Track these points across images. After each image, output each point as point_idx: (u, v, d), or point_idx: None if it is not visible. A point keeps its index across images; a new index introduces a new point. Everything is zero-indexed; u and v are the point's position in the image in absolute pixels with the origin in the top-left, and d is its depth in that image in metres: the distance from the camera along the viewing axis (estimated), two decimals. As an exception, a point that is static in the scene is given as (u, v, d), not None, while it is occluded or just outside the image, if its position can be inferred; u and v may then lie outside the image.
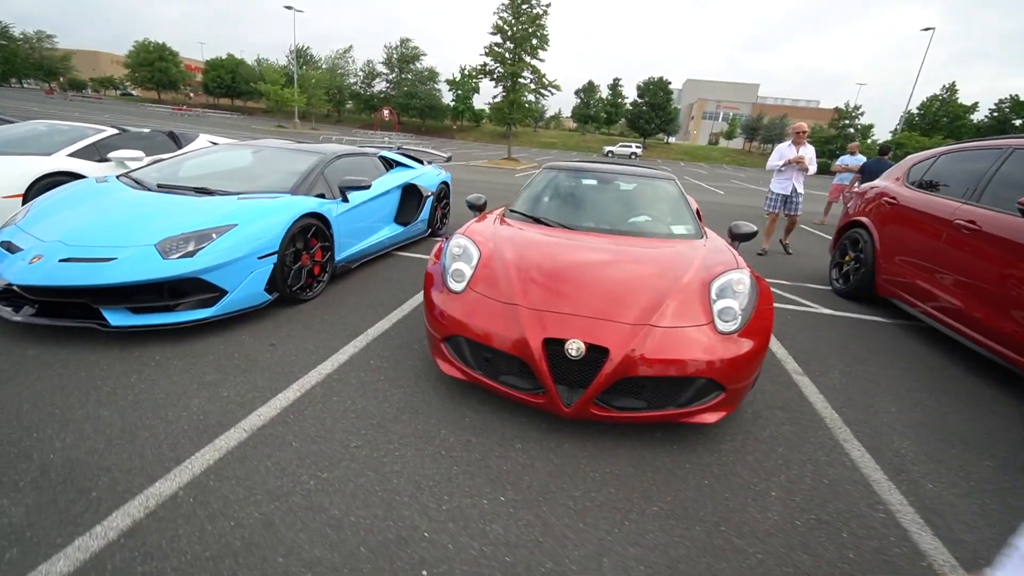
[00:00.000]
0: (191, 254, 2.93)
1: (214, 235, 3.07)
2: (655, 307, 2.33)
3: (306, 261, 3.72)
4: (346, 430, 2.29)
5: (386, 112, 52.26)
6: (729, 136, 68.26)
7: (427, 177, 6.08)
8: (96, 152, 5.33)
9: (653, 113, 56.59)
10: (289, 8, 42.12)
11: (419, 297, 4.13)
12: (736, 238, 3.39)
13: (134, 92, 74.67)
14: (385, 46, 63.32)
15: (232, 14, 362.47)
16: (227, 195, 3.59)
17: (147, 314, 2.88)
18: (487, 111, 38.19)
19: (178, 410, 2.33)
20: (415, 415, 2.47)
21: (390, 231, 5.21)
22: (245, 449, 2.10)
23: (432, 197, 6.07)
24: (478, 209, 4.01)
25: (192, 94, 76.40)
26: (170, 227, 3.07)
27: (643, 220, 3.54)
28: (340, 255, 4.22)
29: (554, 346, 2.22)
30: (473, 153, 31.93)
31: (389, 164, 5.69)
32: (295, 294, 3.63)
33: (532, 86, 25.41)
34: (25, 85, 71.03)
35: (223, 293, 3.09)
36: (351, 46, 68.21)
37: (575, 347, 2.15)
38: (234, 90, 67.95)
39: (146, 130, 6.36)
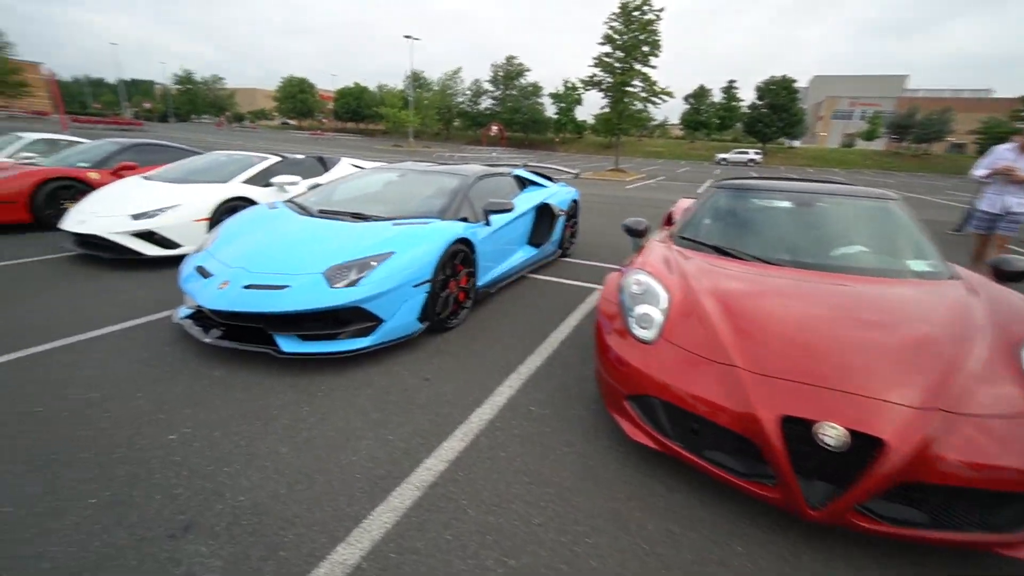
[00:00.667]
0: (354, 283, 2.91)
1: (373, 263, 3.04)
2: (943, 382, 1.71)
3: (453, 288, 3.59)
4: (524, 499, 2.00)
5: (495, 128, 54.20)
6: (869, 136, 59.83)
7: (560, 195, 5.81)
8: (263, 178, 5.88)
9: (775, 115, 51.62)
10: (408, 37, 45.79)
11: (564, 329, 3.81)
12: (1006, 277, 2.56)
13: (291, 122, 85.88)
14: (492, 65, 65.99)
15: (359, 47, 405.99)
16: (381, 220, 3.60)
17: (314, 342, 2.90)
18: (592, 122, 37.70)
19: (348, 453, 2.23)
20: (597, 485, 2.10)
21: (524, 253, 5.00)
22: (421, 512, 1.90)
23: (564, 216, 5.78)
24: (638, 235, 3.57)
25: (324, 120, 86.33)
26: (334, 254, 3.10)
27: (859, 252, 2.85)
28: (482, 280, 4.07)
29: (795, 426, 1.71)
30: (579, 164, 31.60)
31: (523, 183, 5.52)
32: (443, 322, 3.52)
33: (642, 94, 24.43)
34: (202, 120, 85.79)
35: (380, 322, 3.03)
36: (460, 68, 72.13)
37: (834, 434, 1.62)
38: (359, 114, 75.46)
39: (300, 156, 6.95)
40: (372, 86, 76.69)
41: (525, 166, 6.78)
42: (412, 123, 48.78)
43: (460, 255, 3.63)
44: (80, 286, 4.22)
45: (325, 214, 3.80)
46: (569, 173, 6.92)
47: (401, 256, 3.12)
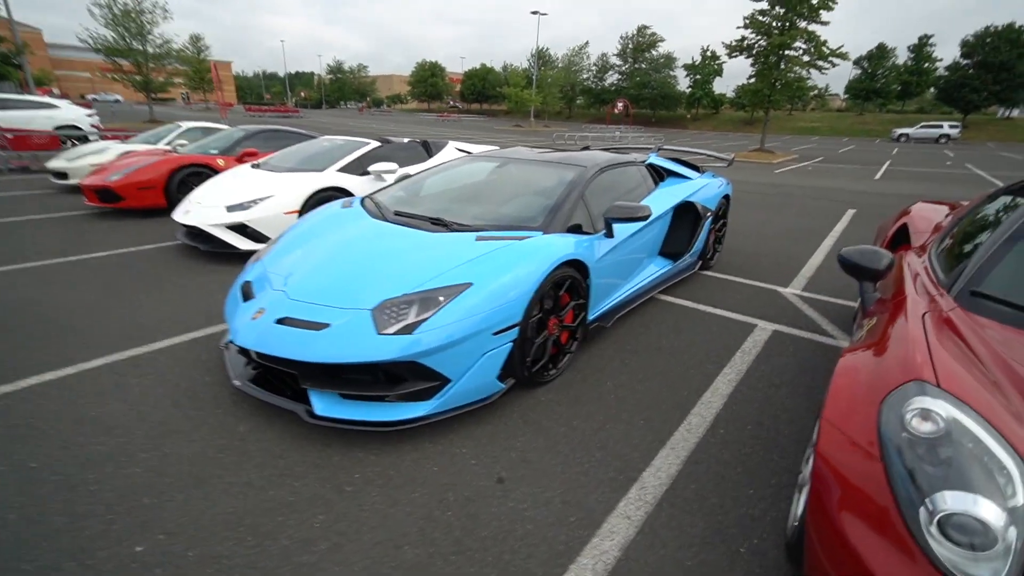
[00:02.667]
0: (409, 329, 2.03)
1: (441, 298, 2.13)
2: None
3: (553, 328, 2.56)
4: None
5: (620, 104, 51.06)
6: None
7: (707, 190, 4.39)
8: (360, 166, 5.40)
9: (989, 76, 40.43)
10: (535, 13, 44.58)
11: (713, 399, 2.56)
12: None
13: (458, 104, 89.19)
14: (621, 36, 61.87)
15: (493, 30, 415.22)
16: (464, 230, 2.68)
17: (357, 404, 2.10)
18: (734, 95, 33.06)
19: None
20: None
21: (655, 268, 3.76)
22: None
23: (711, 217, 4.36)
24: (870, 276, 2.07)
25: (451, 102, 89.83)
26: (392, 281, 2.26)
27: None
28: (595, 310, 2.98)
29: None
30: (712, 144, 28.01)
31: (658, 174, 4.22)
32: (534, 376, 2.52)
33: (805, 58, 20.35)
34: (348, 106, 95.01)
35: (445, 382, 2.14)
36: (587, 42, 69.02)
37: None
38: (483, 95, 76.94)
39: (405, 140, 6.40)
40: (499, 67, 77.47)
41: (660, 150, 5.40)
42: (533, 102, 47.98)
43: (567, 282, 2.57)
44: (173, 281, 4.05)
45: (401, 216, 3.00)
46: (722, 160, 5.31)
47: (480, 290, 2.17)
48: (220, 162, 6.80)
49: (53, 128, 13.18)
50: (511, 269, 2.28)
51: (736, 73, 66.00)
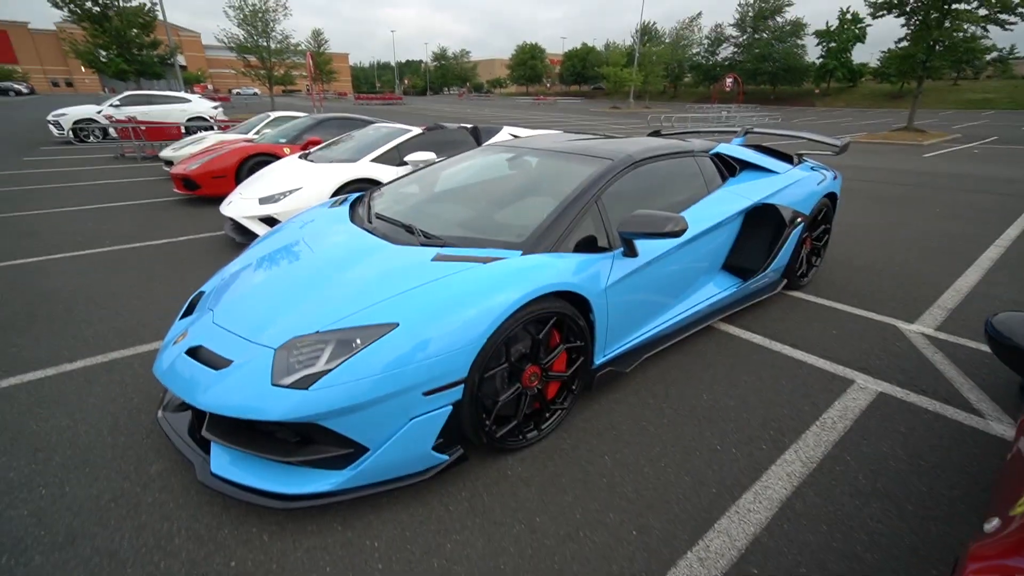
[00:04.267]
0: (306, 382, 1.54)
1: (357, 341, 1.61)
2: None
3: (531, 380, 1.93)
4: None
5: (729, 81, 46.06)
6: None
7: (798, 188, 3.32)
8: (397, 155, 5.05)
9: None
10: (642, -16, 41.52)
11: (765, 494, 1.75)
12: None
13: (548, 83, 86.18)
14: (740, 3, 55.43)
15: (598, 6, 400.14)
16: (431, 244, 2.11)
17: (260, 465, 1.68)
18: (877, 64, 27.88)
19: None
20: None
21: (711, 291, 2.88)
22: None
23: (804, 223, 3.30)
24: None
25: (549, 84, 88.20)
26: (316, 311, 1.78)
27: None
28: (606, 352, 2.26)
29: None
30: (843, 124, 24.05)
31: (728, 167, 3.25)
32: (501, 442, 1.92)
33: (981, 12, 16.23)
34: (451, 91, 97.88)
35: (362, 450, 1.63)
36: (699, 13, 63.22)
37: None
38: (583, 77, 74.46)
39: (454, 127, 5.95)
40: (601, 46, 74.24)
41: (746, 133, 4.33)
42: (633, 82, 45.13)
43: (553, 320, 1.91)
44: (202, 276, 4.05)
45: (379, 221, 2.51)
46: (832, 145, 3.99)
47: (407, 334, 1.61)
48: (286, 150, 6.94)
49: (186, 120, 14.87)
50: (459, 306, 1.68)
51: (881, 38, 56.03)
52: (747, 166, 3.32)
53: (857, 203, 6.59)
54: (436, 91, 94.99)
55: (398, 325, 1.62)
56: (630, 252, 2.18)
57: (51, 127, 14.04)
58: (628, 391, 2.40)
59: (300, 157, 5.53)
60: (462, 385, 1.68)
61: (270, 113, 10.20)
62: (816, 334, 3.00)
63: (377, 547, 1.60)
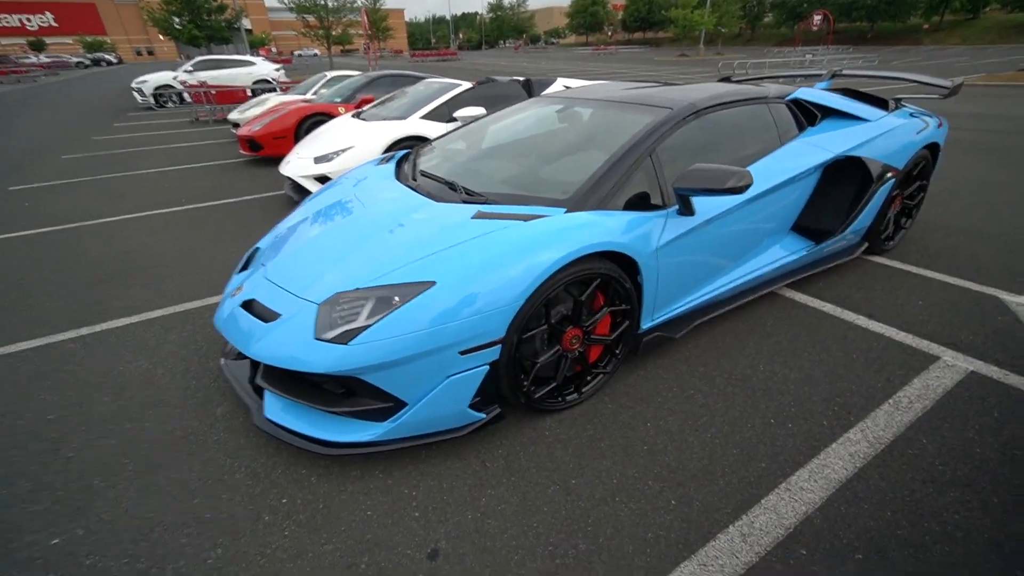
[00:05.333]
0: (346, 337, 1.58)
1: (396, 299, 1.61)
2: None
3: (571, 343, 1.87)
4: None
5: (817, 19, 40.91)
6: None
7: (891, 138, 2.90)
8: (446, 111, 4.95)
9: None
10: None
11: (822, 473, 1.63)
12: None
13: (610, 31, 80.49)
14: (837, -74, 48.22)
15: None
16: (473, 201, 2.05)
17: (308, 413, 1.78)
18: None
19: None
20: None
21: (779, 253, 2.64)
22: None
23: (895, 179, 2.91)
24: None
25: (611, 32, 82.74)
26: (357, 268, 1.80)
27: None
28: (654, 316, 2.14)
29: None
30: (957, 65, 20.88)
31: (807, 115, 2.89)
32: (539, 403, 1.89)
33: None
34: (507, 44, 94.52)
35: (401, 404, 1.67)
36: (787, -61, 56.04)
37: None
38: (648, 22, 69.07)
39: (506, 80, 5.72)
40: (669, -15, 68.16)
41: (833, 76, 3.84)
42: (704, 25, 41.27)
43: (595, 281, 1.82)
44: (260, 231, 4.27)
45: (424, 179, 2.47)
46: (939, 87, 3.42)
47: (445, 293, 1.59)
48: (340, 109, 7.03)
49: (252, 83, 15.41)
50: (497, 266, 1.63)
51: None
52: (830, 113, 2.94)
53: (963, 156, 5.74)
54: (491, 45, 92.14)
55: (435, 283, 1.60)
56: (686, 210, 2.01)
57: (135, 94, 15.09)
58: (677, 358, 2.29)
59: (353, 116, 5.57)
60: (499, 346, 1.65)
61: (326, 73, 10.32)
62: (898, 304, 2.69)
63: (415, 496, 1.66)
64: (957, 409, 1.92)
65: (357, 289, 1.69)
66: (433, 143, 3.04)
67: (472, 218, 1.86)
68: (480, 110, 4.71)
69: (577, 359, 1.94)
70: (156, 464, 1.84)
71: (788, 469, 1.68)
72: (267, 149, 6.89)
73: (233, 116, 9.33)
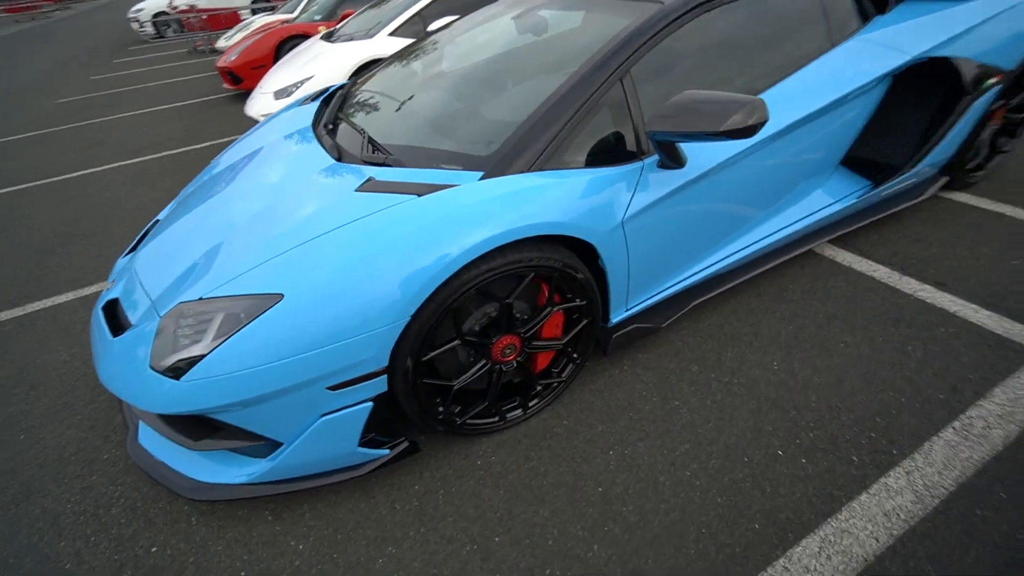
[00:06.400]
0: (178, 370, 1.17)
1: (242, 315, 1.17)
2: None
3: (502, 355, 1.39)
4: None
5: None
6: None
7: (999, 26, 2.01)
8: (421, 24, 4.14)
9: None
10: None
11: (872, 529, 1.17)
12: None
13: None
14: None
15: None
16: (371, 162, 1.49)
17: (171, 443, 1.43)
18: None
19: None
20: None
21: (820, 200, 1.96)
22: None
23: (999, 86, 2.07)
24: None
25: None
26: (215, 265, 1.34)
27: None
28: (629, 304, 1.61)
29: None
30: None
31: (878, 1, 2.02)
32: (462, 428, 1.46)
33: None
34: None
35: (276, 443, 1.29)
36: None
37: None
38: None
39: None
40: None
41: None
42: None
43: (532, 275, 1.29)
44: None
45: (341, 124, 1.89)
46: None
47: (294, 311, 1.11)
48: (321, 28, 6.21)
49: (251, 2, 14.24)
50: (366, 270, 1.12)
51: None
52: (908, -8, 2.06)
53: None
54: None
55: (283, 297, 1.13)
56: (670, 161, 1.39)
57: (133, 24, 14.29)
58: (664, 351, 1.77)
59: (322, 37, 4.83)
60: (384, 376, 1.20)
61: (315, -14, 9.22)
62: (981, 267, 2.00)
63: (301, 551, 1.32)
64: (1057, 436, 1.35)
65: (201, 299, 1.25)
66: (374, 71, 2.40)
67: (356, 190, 1.33)
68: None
69: (520, 368, 1.47)
70: (35, 489, 1.59)
71: (792, 535, 1.21)
72: (248, 81, 6.25)
73: (220, 43, 8.61)
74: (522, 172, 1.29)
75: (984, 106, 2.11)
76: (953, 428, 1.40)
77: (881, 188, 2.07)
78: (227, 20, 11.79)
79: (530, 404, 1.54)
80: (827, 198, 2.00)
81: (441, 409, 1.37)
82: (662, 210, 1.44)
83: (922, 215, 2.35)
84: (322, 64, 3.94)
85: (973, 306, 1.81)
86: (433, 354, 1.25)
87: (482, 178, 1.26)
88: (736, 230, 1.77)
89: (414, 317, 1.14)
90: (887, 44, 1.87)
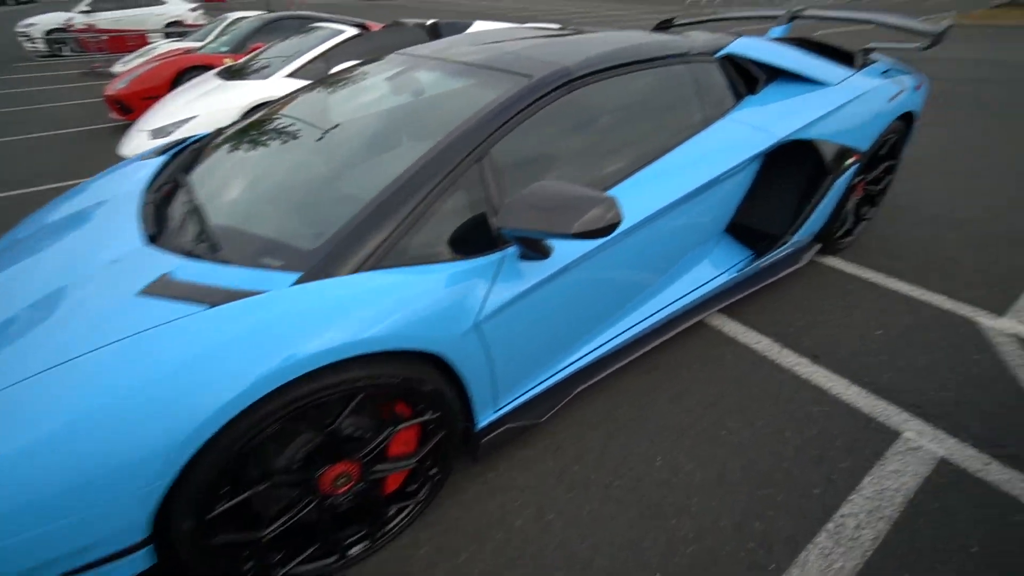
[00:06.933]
0: None
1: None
2: None
3: (333, 486, 1.15)
4: None
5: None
6: None
7: (856, 110, 2.17)
8: (325, 66, 3.95)
9: None
10: None
11: None
12: None
13: None
14: None
15: None
16: (181, 251, 1.23)
17: None
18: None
19: None
20: None
21: (704, 274, 1.95)
22: None
23: (858, 163, 2.22)
24: None
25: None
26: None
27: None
28: (499, 405, 1.43)
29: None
30: (926, 2, 19.89)
31: (749, 78, 2.10)
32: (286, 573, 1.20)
33: None
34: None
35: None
36: None
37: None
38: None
39: (412, 24, 4.69)
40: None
41: (792, 19, 3.08)
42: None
43: (370, 393, 1.09)
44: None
45: (173, 188, 1.62)
46: (922, 34, 2.52)
47: (5, 469, 0.83)
48: (227, 61, 5.83)
49: (164, 26, 13.39)
50: (119, 412, 0.86)
51: None
52: (777, 74, 2.17)
53: (933, 113, 5.09)
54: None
55: (-6, 454, 0.84)
56: (533, 252, 1.27)
57: (21, 40, 12.91)
58: (545, 448, 1.62)
59: (220, 72, 4.49)
60: (149, 547, 0.94)
61: (229, 15, 8.82)
62: (851, 336, 2.07)
63: None
64: (923, 540, 1.32)
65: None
66: (233, 124, 2.15)
67: (139, 293, 1.08)
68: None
69: (364, 493, 1.25)
70: None
71: None
72: (137, 112, 5.68)
73: (117, 67, 7.88)
74: (354, 271, 1.11)
75: (846, 182, 2.24)
76: (827, 531, 1.34)
77: (763, 259, 2.11)
78: (134, 43, 10.93)
79: (378, 536, 1.30)
80: (712, 270, 2.00)
81: (251, 564, 1.10)
82: (528, 304, 1.31)
83: (801, 281, 2.45)
84: (209, 104, 3.60)
85: (844, 381, 1.84)
86: (225, 506, 1.00)
87: (298, 281, 1.06)
88: (618, 312, 1.69)
89: (188, 468, 0.90)
90: (756, 125, 1.93)
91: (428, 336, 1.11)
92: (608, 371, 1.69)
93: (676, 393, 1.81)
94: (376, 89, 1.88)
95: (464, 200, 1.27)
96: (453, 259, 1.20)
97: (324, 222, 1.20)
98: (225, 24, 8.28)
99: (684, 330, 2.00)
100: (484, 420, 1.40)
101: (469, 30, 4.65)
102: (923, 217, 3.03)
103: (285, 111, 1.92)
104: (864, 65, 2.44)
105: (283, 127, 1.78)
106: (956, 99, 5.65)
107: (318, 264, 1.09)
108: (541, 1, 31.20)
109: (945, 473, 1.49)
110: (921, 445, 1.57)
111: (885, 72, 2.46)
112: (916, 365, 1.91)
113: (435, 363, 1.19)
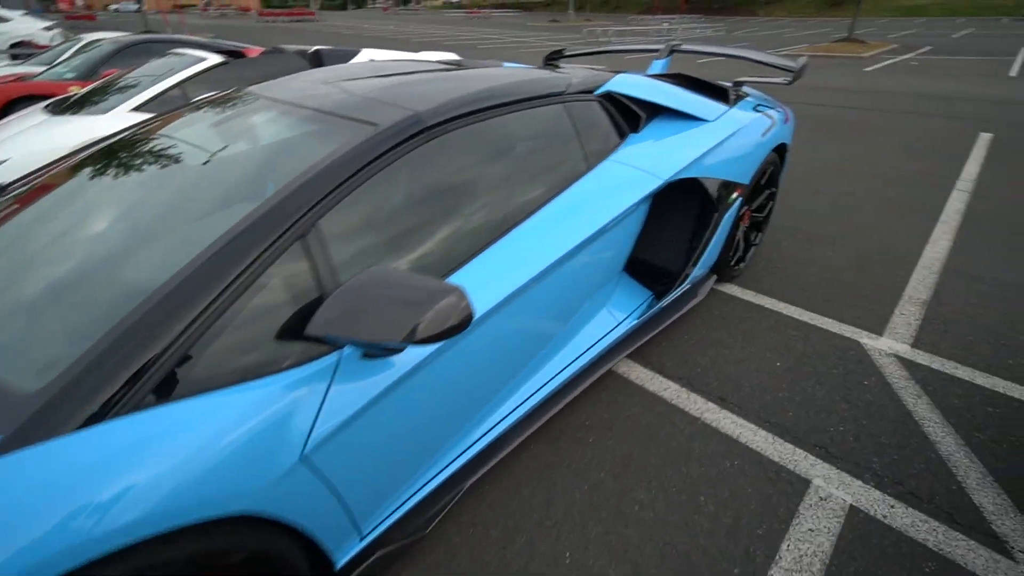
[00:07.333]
0: None
1: None
2: None
3: None
4: None
5: (672, -12, 42.73)
6: None
7: (735, 145, 2.19)
8: (181, 97, 3.45)
9: None
10: None
11: None
12: None
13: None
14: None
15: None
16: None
17: None
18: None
19: None
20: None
21: (608, 319, 1.81)
22: None
23: (741, 198, 2.23)
24: None
25: (485, -5, 79.68)
26: None
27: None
28: (365, 531, 1.14)
29: None
30: (785, 35, 22.82)
31: (630, 116, 2.04)
32: None
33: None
34: (375, 4, 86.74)
35: None
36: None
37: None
38: (520, -14, 67.59)
39: (293, 50, 4.30)
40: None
41: (671, 53, 3.14)
42: (572, -10, 41.07)
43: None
44: None
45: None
46: (785, 70, 2.69)
47: None
48: (72, 89, 5.01)
49: (8, 46, 11.57)
50: None
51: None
52: (658, 111, 2.14)
53: (797, 134, 5.62)
54: (359, 4, 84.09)
55: None
56: (376, 352, 1.01)
57: None
58: (435, 563, 1.34)
59: (47, 105, 3.78)
60: None
61: (83, 36, 7.76)
62: (752, 371, 2.04)
63: None
64: (841, 605, 1.22)
65: None
66: (29, 179, 1.69)
67: None
68: (229, 98, 3.30)
69: None
70: None
71: None
72: (-52, 151, 4.69)
73: (-71, 97, 6.54)
74: (102, 419, 0.77)
75: (734, 214, 2.25)
76: (749, 624, 1.20)
77: (663, 299, 2.03)
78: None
79: None
80: (611, 320, 1.87)
81: None
82: (379, 412, 1.04)
83: (700, 312, 2.42)
84: (27, 143, 2.95)
85: (752, 426, 1.77)
86: None
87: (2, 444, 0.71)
88: (507, 385, 1.48)
89: None
90: (641, 167, 1.85)
91: (223, 497, 0.80)
92: (503, 453, 1.46)
93: (583, 465, 1.62)
94: (193, 137, 1.53)
95: (283, 290, 0.98)
96: (266, 373, 0.91)
97: (61, 344, 0.85)
98: (79, 46, 7.25)
99: (593, 383, 1.84)
100: (346, 556, 1.10)
101: (355, 59, 4.36)
102: (802, 238, 3.20)
103: (64, 166, 1.51)
104: (737, 99, 2.51)
105: (55, 185, 1.38)
106: (812, 122, 6.31)
107: (35, 416, 0.74)
108: (446, 26, 31.61)
109: (856, 524, 1.42)
110: (830, 494, 1.51)
111: (756, 107, 2.55)
112: (815, 398, 1.90)
113: (249, 522, 0.88)
